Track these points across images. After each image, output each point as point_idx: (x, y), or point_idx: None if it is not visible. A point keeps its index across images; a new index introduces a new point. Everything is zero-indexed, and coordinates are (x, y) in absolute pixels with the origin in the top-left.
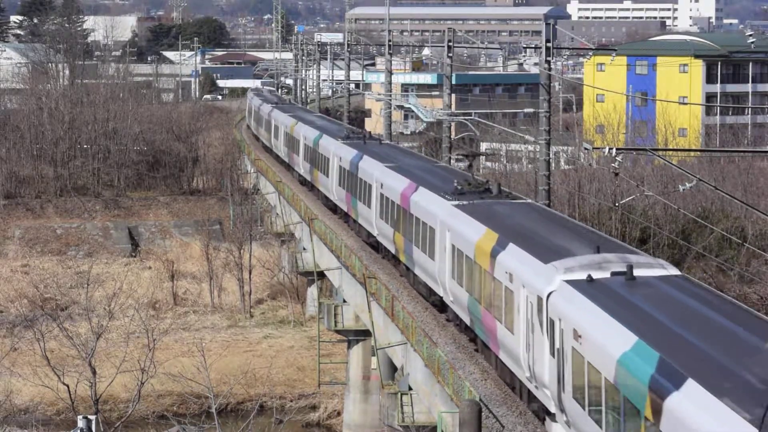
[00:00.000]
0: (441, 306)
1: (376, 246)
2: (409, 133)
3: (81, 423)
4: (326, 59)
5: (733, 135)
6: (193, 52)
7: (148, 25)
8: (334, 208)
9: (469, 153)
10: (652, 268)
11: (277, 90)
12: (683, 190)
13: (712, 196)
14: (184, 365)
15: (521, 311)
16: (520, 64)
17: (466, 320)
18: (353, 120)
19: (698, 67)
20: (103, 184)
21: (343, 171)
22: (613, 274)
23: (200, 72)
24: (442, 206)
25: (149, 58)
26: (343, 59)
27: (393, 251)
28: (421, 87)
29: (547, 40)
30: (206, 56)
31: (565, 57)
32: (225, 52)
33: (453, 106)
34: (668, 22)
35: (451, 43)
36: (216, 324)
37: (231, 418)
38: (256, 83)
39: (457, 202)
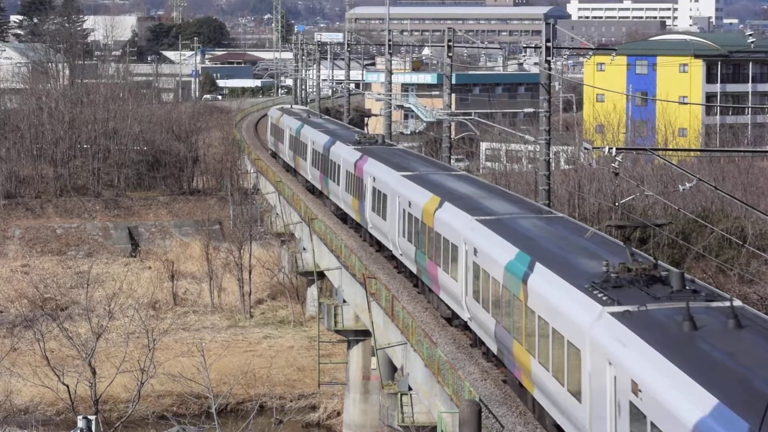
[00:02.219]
0: None
1: None
2: (408, 133)
3: (81, 423)
4: (326, 59)
5: (733, 135)
6: (193, 52)
7: (148, 24)
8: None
9: None
10: None
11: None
12: (683, 190)
13: (712, 196)
14: (184, 365)
15: None
16: (520, 64)
17: None
18: (352, 120)
19: (698, 66)
20: (103, 184)
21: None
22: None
23: (200, 72)
24: None
25: (149, 58)
26: (343, 59)
27: None
28: (421, 87)
29: (547, 40)
30: (206, 56)
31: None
32: (225, 52)
33: (453, 106)
34: (668, 21)
35: (451, 43)
36: (216, 324)
37: (231, 418)
38: (256, 83)
39: None
